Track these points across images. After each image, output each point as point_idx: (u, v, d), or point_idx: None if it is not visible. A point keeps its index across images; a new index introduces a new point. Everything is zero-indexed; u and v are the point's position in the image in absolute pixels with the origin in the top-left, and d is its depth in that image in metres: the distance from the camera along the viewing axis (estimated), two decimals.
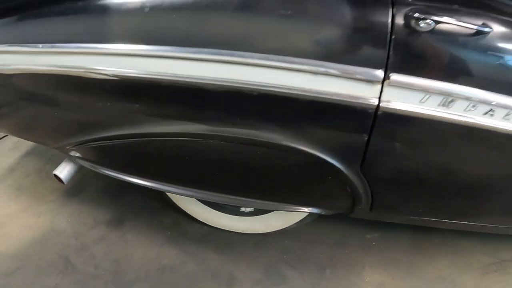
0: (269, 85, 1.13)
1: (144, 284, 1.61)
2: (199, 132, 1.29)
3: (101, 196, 2.06)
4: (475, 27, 1.05)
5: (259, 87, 1.14)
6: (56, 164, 1.67)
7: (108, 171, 1.58)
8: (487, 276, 1.81)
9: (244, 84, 1.14)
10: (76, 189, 2.09)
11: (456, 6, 1.09)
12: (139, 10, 1.21)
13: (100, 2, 1.25)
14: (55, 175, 1.63)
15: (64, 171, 1.63)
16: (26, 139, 1.97)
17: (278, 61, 1.10)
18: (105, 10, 1.24)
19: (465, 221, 1.60)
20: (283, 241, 1.80)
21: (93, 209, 1.97)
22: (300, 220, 1.68)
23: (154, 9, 1.19)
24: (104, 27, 1.26)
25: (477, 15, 1.09)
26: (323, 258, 1.74)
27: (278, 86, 1.12)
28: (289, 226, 1.72)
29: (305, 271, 1.68)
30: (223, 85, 1.16)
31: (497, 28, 1.08)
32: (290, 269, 1.69)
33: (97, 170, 1.59)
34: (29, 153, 2.42)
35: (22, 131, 1.82)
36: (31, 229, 1.87)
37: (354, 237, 1.86)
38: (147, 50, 1.18)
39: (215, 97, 1.19)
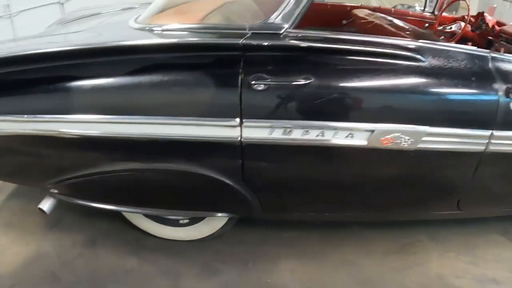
0: (174, 135, 1.75)
1: (114, 284, 2.08)
2: (136, 167, 1.90)
3: (76, 222, 2.49)
4: (296, 83, 1.68)
5: (169, 137, 1.75)
6: (37, 202, 2.04)
7: (80, 201, 2.07)
8: (388, 258, 2.25)
9: (158, 135, 1.75)
10: (55, 219, 2.47)
11: (284, 70, 1.72)
12: (90, 92, 1.77)
13: (67, 85, 1.76)
14: (39, 208, 2.01)
15: (46, 204, 2.02)
16: (10, 182, 2.48)
17: (178, 120, 1.71)
18: (70, 90, 1.77)
19: (336, 213, 2.22)
20: (215, 243, 2.32)
21: (71, 233, 2.39)
22: (224, 226, 2.22)
23: (101, 92, 1.78)
24: (69, 102, 1.78)
25: (300, 72, 1.70)
26: (246, 254, 2.26)
27: (182, 135, 1.74)
28: (217, 231, 2.25)
29: (232, 265, 2.19)
30: (144, 137, 1.76)
31: (316, 79, 1.69)
32: (221, 264, 2.20)
33: (72, 201, 2.06)
34: (13, 194, 2.76)
35: (8, 176, 2.25)
36: (22, 255, 2.24)
37: (273, 236, 2.38)
38: (96, 118, 1.76)
39: (141, 145, 1.80)
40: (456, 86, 1.80)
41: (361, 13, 3.19)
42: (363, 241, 2.38)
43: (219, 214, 2.11)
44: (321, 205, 2.15)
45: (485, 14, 3.60)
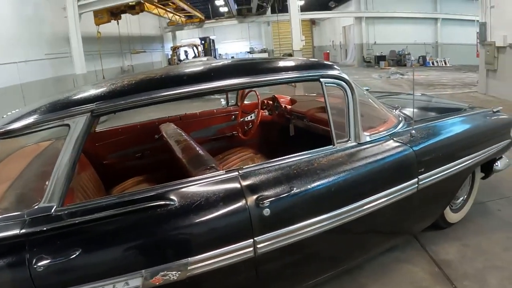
0: None
1: None
2: None
3: None
4: (69, 257, 1.86)
5: None
6: None
7: None
8: None
9: None
10: None
11: (59, 247, 1.88)
12: None
13: None
14: None
15: None
16: None
17: None
18: None
19: None
20: None
21: None
22: None
23: None
24: None
25: (71, 245, 1.88)
26: None
27: None
28: None
29: None
30: None
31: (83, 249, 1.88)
32: None
33: None
34: None
35: None
36: None
37: None
38: None
39: None
40: (209, 214, 2.07)
41: (165, 128, 3.50)
42: None
43: None
44: None
45: (277, 96, 4.14)
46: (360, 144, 2.72)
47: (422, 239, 3.51)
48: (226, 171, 2.27)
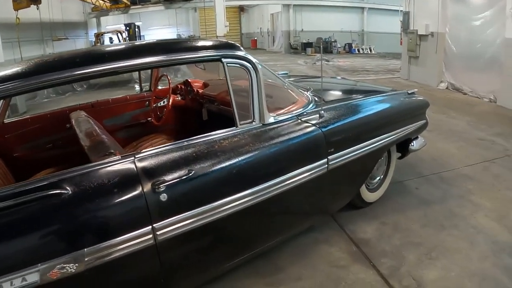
0: None
1: None
2: None
3: None
4: None
5: None
6: None
7: None
8: None
9: None
10: None
11: None
12: None
13: None
14: None
15: None
16: None
17: None
18: None
19: None
20: None
21: None
22: None
23: None
24: None
25: None
26: None
27: None
28: None
29: None
30: None
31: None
32: None
33: None
34: None
35: None
36: None
37: None
38: None
39: None
40: (104, 202, 1.98)
41: (75, 116, 3.33)
42: None
43: None
44: None
45: (189, 80, 4.12)
46: (264, 125, 2.67)
47: (341, 219, 3.54)
48: (122, 156, 2.17)
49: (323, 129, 2.84)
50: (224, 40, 2.76)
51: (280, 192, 2.57)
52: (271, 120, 2.71)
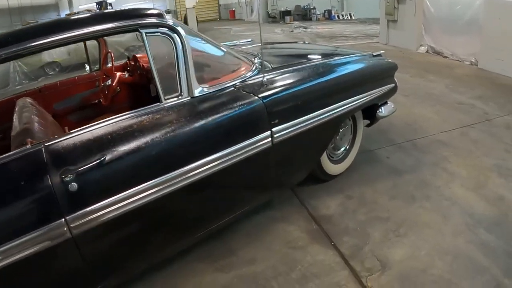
0: None
1: None
2: None
3: None
4: None
5: None
6: None
7: None
8: None
9: None
10: None
11: None
12: None
13: None
14: None
15: None
16: None
17: None
18: None
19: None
20: None
21: None
22: None
23: None
24: None
25: None
26: None
27: None
28: None
29: None
30: None
31: None
32: None
33: None
34: None
35: None
36: None
37: None
38: None
39: None
40: (11, 196, 1.80)
41: (19, 103, 3.09)
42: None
43: None
44: None
45: (137, 56, 3.91)
46: (193, 98, 2.39)
47: (302, 194, 3.24)
48: (32, 146, 1.94)
49: (265, 99, 2.51)
50: (145, 8, 2.42)
51: (217, 171, 2.29)
52: (203, 91, 2.42)
